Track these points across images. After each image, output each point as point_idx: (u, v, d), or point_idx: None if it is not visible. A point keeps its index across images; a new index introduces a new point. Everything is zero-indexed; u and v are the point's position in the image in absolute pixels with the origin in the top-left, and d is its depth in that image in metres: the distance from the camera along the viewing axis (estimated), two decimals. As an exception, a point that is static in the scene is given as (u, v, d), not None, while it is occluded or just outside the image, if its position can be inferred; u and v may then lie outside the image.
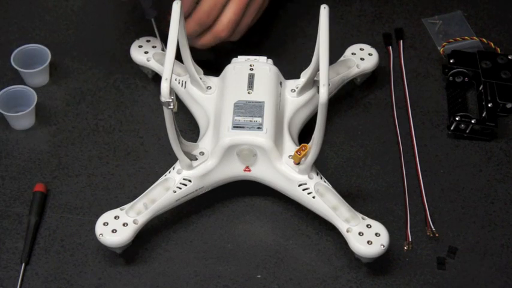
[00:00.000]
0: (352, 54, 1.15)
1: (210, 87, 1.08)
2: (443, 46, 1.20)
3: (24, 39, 1.21)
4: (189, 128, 1.12)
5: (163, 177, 1.01)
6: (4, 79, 1.18)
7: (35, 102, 1.11)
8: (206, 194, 1.04)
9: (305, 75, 1.06)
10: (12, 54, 1.15)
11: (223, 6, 1.08)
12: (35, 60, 1.16)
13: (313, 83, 1.06)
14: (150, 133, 1.13)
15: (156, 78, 1.17)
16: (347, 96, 1.16)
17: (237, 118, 1.01)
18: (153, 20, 1.11)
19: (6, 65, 1.16)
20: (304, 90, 1.07)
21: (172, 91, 0.90)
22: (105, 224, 0.99)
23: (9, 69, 1.16)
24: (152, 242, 1.04)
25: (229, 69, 1.07)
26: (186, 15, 1.08)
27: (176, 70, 1.10)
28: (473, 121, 1.11)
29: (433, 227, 1.04)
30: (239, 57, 1.08)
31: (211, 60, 1.15)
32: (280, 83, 1.07)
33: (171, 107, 0.91)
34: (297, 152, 0.99)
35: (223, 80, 1.07)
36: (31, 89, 1.13)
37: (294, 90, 1.07)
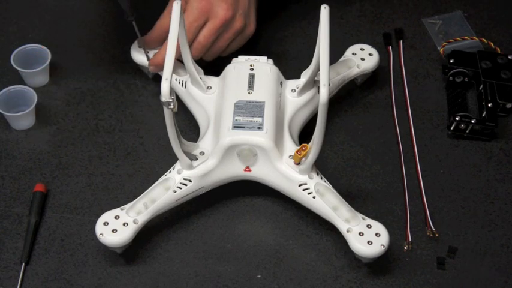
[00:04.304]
0: (353, 54, 1.15)
1: (211, 87, 1.08)
2: (443, 46, 1.20)
3: (24, 39, 1.21)
4: (189, 128, 1.12)
5: (163, 177, 1.01)
6: (4, 79, 1.18)
7: (35, 102, 1.11)
8: (206, 194, 1.04)
9: (305, 75, 1.06)
10: (12, 54, 1.15)
11: (199, 29, 1.09)
12: (35, 60, 1.16)
13: (314, 83, 1.07)
14: (150, 133, 1.13)
15: (156, 78, 1.17)
16: (347, 96, 1.17)
17: (237, 118, 1.01)
18: (134, 22, 1.10)
19: (6, 65, 1.16)
20: (305, 90, 1.07)
21: (172, 91, 0.90)
22: (106, 223, 0.99)
23: (9, 69, 1.16)
24: (152, 242, 1.04)
25: (229, 69, 1.07)
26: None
27: (176, 70, 1.10)
28: (473, 121, 1.11)
29: (433, 227, 1.04)
30: (239, 57, 1.08)
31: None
32: (281, 83, 1.07)
33: (172, 107, 0.91)
34: (297, 152, 0.99)
35: (224, 80, 1.07)
36: (31, 89, 1.13)
37: (295, 90, 1.07)
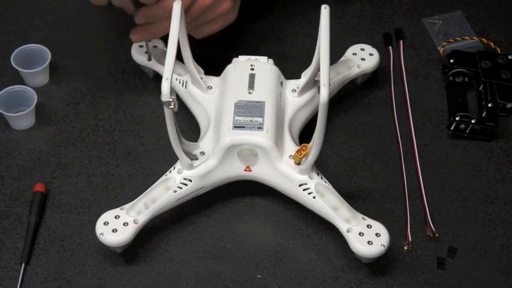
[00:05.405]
0: (353, 54, 1.15)
1: (211, 87, 1.08)
2: (443, 46, 1.20)
3: (24, 39, 1.21)
4: (190, 128, 1.12)
5: (163, 177, 1.01)
6: (4, 79, 1.18)
7: (35, 102, 1.11)
8: (206, 194, 1.04)
9: (306, 75, 1.06)
10: (12, 54, 1.15)
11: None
12: (35, 60, 1.16)
13: (314, 83, 1.07)
14: (150, 133, 1.13)
15: (157, 78, 1.17)
16: (347, 96, 1.17)
17: (237, 118, 1.01)
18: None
19: (6, 65, 1.16)
20: (305, 90, 1.07)
21: (173, 91, 0.90)
22: (106, 223, 0.99)
23: (9, 69, 1.16)
24: (152, 242, 1.04)
25: (230, 69, 1.07)
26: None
27: (177, 70, 1.10)
28: (473, 121, 1.11)
29: (433, 227, 1.04)
30: (240, 57, 1.08)
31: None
32: (281, 83, 1.07)
33: (172, 106, 0.91)
34: (297, 152, 0.99)
35: (224, 80, 1.07)
36: (31, 89, 1.13)
37: (295, 90, 1.07)
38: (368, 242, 0.97)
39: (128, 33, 1.10)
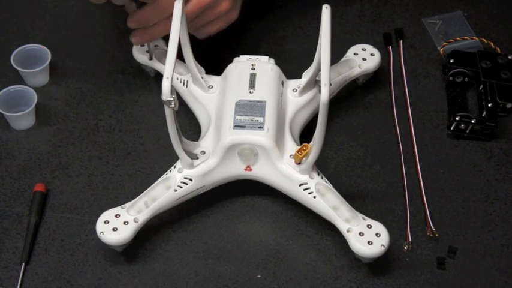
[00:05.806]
0: (354, 54, 1.15)
1: (212, 87, 1.08)
2: (443, 46, 1.20)
3: (24, 39, 1.21)
4: (190, 128, 1.12)
5: (164, 176, 1.01)
6: (4, 79, 1.18)
7: (35, 102, 1.11)
8: (206, 193, 1.04)
9: (307, 75, 1.07)
10: (12, 54, 1.15)
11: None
12: (35, 60, 1.16)
13: (315, 82, 1.06)
14: (150, 133, 1.13)
15: (157, 77, 1.17)
16: (347, 96, 1.17)
17: (238, 117, 1.01)
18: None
19: (6, 65, 1.16)
20: (306, 90, 1.07)
21: (173, 90, 0.90)
22: (106, 222, 0.99)
23: (9, 69, 1.16)
24: (152, 242, 1.04)
25: (231, 68, 1.07)
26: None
27: (178, 69, 1.10)
28: (473, 121, 1.11)
29: (433, 227, 1.04)
30: (241, 56, 1.08)
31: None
32: (282, 83, 1.07)
33: (172, 105, 0.91)
34: (298, 151, 0.99)
35: (225, 79, 1.07)
36: (31, 89, 1.13)
37: (296, 90, 1.07)
38: (368, 242, 0.97)
39: (128, 33, 1.10)
